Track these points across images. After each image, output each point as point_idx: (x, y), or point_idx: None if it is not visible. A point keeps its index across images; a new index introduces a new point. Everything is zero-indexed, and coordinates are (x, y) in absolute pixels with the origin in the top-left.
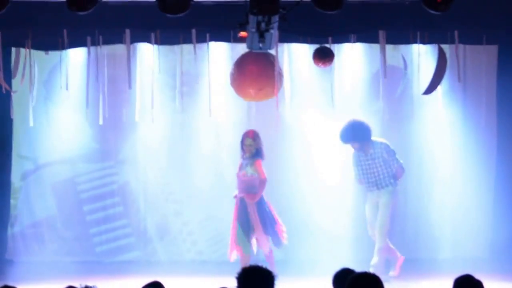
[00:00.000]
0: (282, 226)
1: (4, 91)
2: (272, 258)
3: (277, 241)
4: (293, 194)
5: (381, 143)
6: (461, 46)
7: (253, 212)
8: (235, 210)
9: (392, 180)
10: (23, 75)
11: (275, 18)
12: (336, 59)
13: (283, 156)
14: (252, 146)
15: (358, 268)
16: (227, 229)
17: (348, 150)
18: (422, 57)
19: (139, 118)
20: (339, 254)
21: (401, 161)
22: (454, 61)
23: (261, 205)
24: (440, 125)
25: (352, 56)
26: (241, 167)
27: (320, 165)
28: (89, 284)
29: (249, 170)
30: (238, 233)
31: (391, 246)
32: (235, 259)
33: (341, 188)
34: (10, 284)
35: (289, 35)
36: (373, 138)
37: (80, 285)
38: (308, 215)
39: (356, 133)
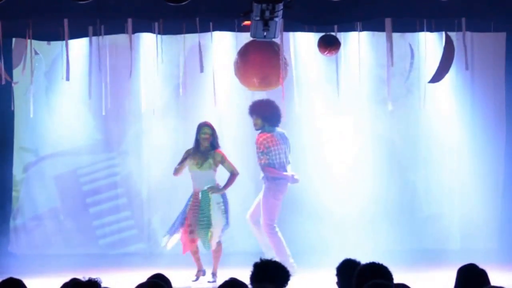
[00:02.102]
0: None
1: (4, 82)
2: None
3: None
4: (301, 184)
5: (280, 133)
6: (468, 33)
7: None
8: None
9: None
10: (23, 66)
11: (280, 6)
12: (342, 48)
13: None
14: (209, 136)
15: (363, 257)
16: (231, 221)
17: (355, 140)
18: (429, 45)
19: (143, 108)
20: (346, 245)
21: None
22: (461, 49)
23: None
24: (448, 113)
25: (358, 45)
26: (195, 160)
27: (327, 155)
28: (93, 276)
29: (208, 163)
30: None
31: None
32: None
33: (349, 177)
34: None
35: (294, 24)
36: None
37: (84, 277)
38: (316, 205)
39: (254, 108)
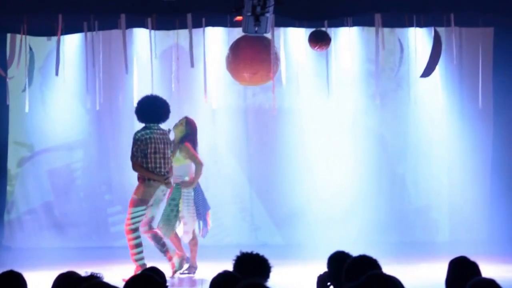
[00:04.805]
0: (209, 216)
1: None
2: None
3: (205, 229)
4: (288, 177)
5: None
6: (457, 28)
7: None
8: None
9: None
10: (18, 61)
11: (271, 1)
12: (332, 43)
13: (279, 141)
14: (182, 127)
15: (353, 249)
16: (224, 214)
17: (345, 133)
18: (418, 40)
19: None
20: (335, 237)
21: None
22: (450, 44)
23: (197, 191)
24: (436, 107)
25: (348, 40)
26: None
27: (317, 148)
28: (89, 270)
29: (181, 156)
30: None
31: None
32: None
33: (339, 170)
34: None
35: (285, 19)
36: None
37: (86, 272)
38: (305, 197)
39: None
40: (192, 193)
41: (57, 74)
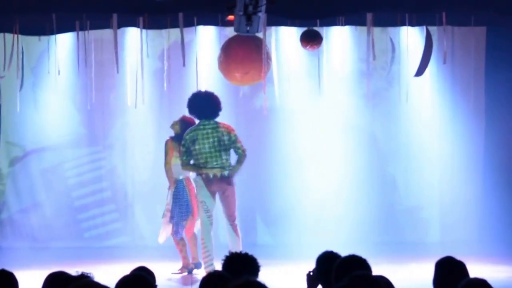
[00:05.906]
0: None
1: None
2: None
3: (176, 231)
4: (279, 177)
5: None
6: (449, 27)
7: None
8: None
9: None
10: (10, 60)
11: (263, 1)
12: (324, 42)
13: (270, 141)
14: (175, 124)
15: (343, 249)
16: (214, 214)
17: (337, 133)
18: (410, 39)
19: (127, 102)
20: (325, 238)
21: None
22: (442, 43)
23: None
24: (428, 107)
25: (340, 39)
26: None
27: (307, 150)
28: (79, 269)
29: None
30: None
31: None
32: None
33: (330, 170)
34: None
35: (277, 18)
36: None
37: (77, 272)
38: (295, 197)
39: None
40: (183, 193)
41: (59, 73)
